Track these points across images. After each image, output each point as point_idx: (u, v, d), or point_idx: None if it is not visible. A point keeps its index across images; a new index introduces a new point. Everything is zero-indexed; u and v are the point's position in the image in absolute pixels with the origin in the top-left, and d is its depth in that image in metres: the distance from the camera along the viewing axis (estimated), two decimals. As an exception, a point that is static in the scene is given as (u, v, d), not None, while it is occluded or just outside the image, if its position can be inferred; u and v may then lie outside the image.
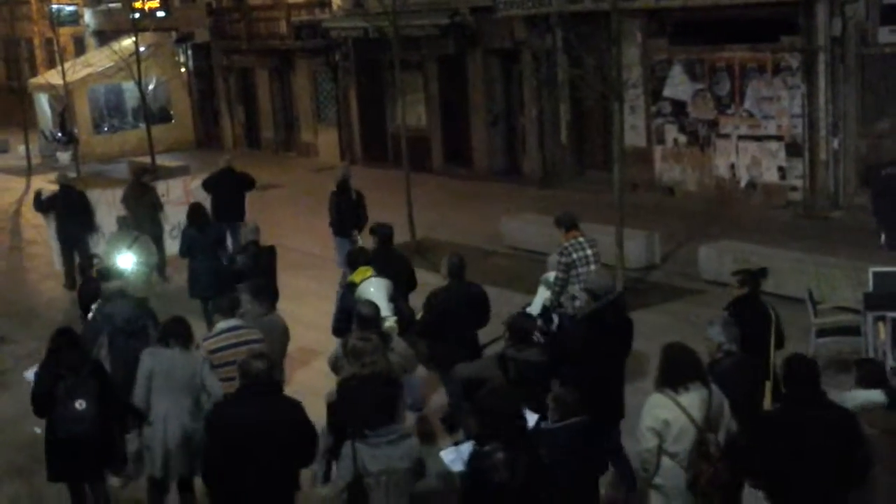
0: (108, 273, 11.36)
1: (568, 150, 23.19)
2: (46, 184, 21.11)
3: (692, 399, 7.07)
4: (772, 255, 14.72)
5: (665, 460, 7.16)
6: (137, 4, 30.56)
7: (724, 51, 19.77)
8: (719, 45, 19.75)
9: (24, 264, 20.01)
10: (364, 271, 10.39)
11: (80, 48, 39.06)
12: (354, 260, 10.76)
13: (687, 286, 15.15)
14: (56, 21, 33.33)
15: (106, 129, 34.44)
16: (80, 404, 8.43)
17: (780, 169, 19.29)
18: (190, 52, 35.37)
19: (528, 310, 10.68)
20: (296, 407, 7.53)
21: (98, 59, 33.60)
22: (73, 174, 27.31)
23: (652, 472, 7.24)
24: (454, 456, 7.45)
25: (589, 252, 11.04)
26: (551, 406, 7.27)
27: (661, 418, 7.09)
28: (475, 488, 6.62)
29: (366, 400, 7.35)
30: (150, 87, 31.32)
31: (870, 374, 7.39)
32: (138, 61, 26.08)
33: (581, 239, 11.12)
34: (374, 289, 10.02)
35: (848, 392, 7.30)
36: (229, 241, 15.59)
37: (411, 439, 7.34)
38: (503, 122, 24.94)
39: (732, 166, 20.08)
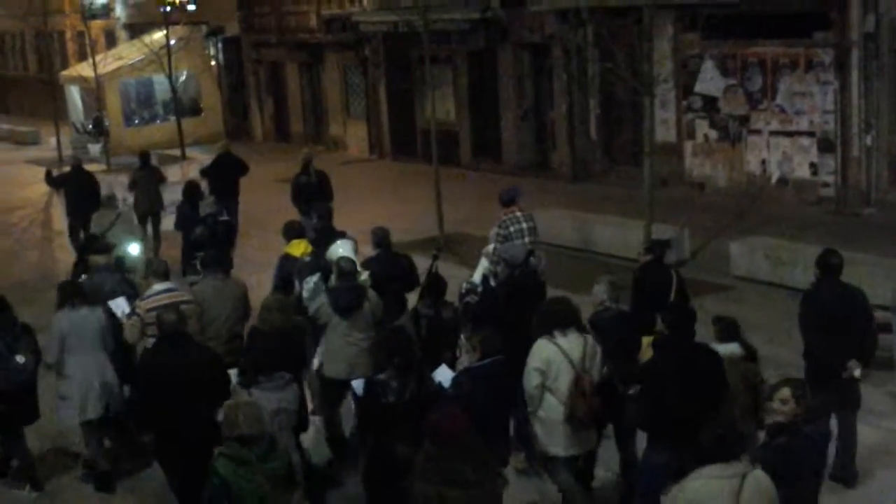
0: (101, 247, 11.93)
1: (598, 144, 23.12)
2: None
3: (570, 343, 8.12)
4: (803, 251, 14.60)
5: (547, 396, 8.13)
6: (168, -2, 30.66)
7: (757, 46, 19.65)
8: (751, 41, 19.62)
9: (55, 255, 20.10)
10: (298, 244, 11.45)
11: (112, 41, 39.25)
12: (288, 233, 11.78)
13: (717, 282, 15.04)
14: (87, 14, 33.47)
15: (136, 121, 34.58)
16: (20, 358, 9.41)
17: (812, 165, 19.17)
18: (220, 46, 35.52)
19: (472, 280, 11.44)
20: (204, 350, 8.90)
21: (129, 52, 33.80)
22: (102, 165, 27.55)
23: (536, 406, 8.20)
24: (358, 385, 8.33)
25: (524, 226, 11.94)
26: (475, 346, 8.20)
27: (544, 357, 8.08)
28: (367, 407, 7.86)
29: (259, 349, 8.57)
30: (181, 80, 31.44)
31: (726, 329, 8.26)
32: (169, 54, 26.23)
33: (518, 213, 12.04)
34: (343, 249, 10.97)
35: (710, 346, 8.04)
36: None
37: (294, 385, 8.37)
38: (533, 116, 24.88)
39: (763, 162, 19.96)
